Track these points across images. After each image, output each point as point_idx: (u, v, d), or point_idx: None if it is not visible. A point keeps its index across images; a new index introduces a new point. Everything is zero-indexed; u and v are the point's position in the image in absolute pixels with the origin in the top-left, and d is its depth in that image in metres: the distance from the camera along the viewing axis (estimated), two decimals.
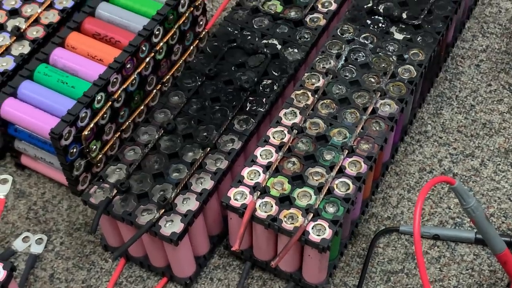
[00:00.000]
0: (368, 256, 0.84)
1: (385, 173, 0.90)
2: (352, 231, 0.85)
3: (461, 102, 0.97)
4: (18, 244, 0.85)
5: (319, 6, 0.93)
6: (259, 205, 0.75)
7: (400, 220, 0.87)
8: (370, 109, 0.82)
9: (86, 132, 0.82)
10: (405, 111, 0.88)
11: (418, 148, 0.93)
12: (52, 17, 0.93)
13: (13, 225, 0.88)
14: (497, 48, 1.02)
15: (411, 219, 0.86)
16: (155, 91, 0.92)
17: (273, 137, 0.81)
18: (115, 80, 0.84)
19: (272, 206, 0.75)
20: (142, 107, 0.91)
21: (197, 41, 0.98)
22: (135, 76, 0.87)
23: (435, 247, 0.84)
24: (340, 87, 0.85)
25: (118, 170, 0.80)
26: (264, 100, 0.85)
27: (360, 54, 0.88)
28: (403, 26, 0.90)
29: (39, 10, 0.93)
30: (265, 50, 0.88)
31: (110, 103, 0.84)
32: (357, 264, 0.84)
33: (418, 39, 0.89)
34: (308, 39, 0.90)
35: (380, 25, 0.91)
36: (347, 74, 0.86)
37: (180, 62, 0.96)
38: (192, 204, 0.76)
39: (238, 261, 0.85)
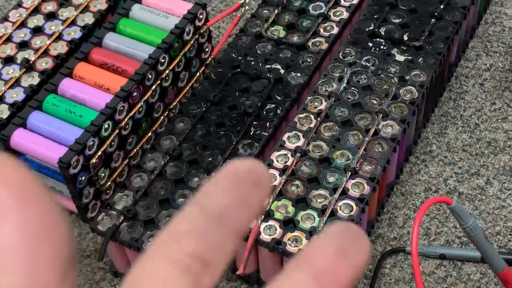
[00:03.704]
0: (375, 277, 0.84)
1: (390, 194, 0.91)
2: None
3: (465, 121, 0.97)
4: None
5: (321, 30, 0.95)
6: (263, 229, 0.76)
7: (406, 240, 0.87)
8: (372, 131, 0.83)
9: (94, 160, 0.83)
10: (408, 132, 0.89)
11: (423, 168, 0.93)
12: (61, 48, 0.95)
13: None
14: (501, 66, 1.03)
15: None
16: (162, 117, 0.94)
17: (277, 160, 0.82)
18: (121, 108, 0.86)
19: (276, 229, 0.76)
20: (150, 134, 0.92)
21: (204, 67, 0.99)
22: (142, 103, 0.89)
23: (442, 267, 0.85)
24: (342, 109, 0.86)
25: (125, 197, 0.81)
26: (267, 124, 0.86)
27: (362, 77, 0.89)
28: (404, 48, 0.91)
29: (48, 42, 0.96)
30: (268, 75, 0.90)
31: (117, 131, 0.86)
32: (364, 286, 0.84)
33: (420, 60, 0.90)
34: (311, 63, 0.91)
35: (382, 47, 0.92)
36: (349, 96, 0.87)
37: (187, 88, 0.97)
38: None
39: (246, 284, 0.86)
